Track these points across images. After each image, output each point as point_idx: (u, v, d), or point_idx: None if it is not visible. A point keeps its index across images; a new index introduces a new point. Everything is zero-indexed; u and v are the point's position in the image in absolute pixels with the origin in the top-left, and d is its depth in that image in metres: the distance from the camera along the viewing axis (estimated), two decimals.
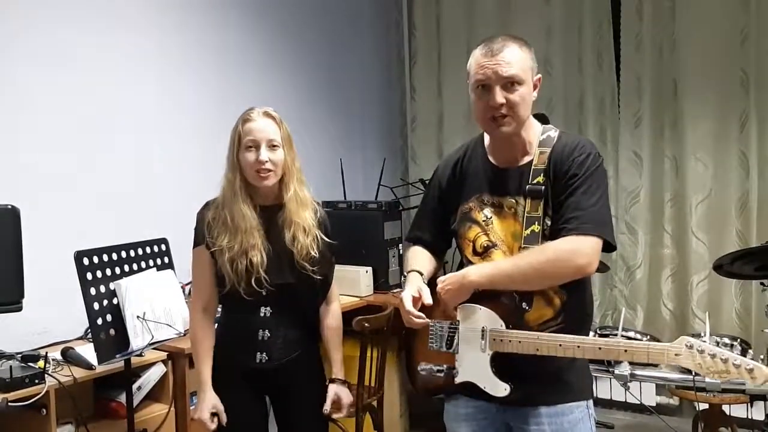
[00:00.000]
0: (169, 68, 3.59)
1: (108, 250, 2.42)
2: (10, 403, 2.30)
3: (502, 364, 1.80)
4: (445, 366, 1.90)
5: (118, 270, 2.44)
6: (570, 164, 1.78)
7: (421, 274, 1.94)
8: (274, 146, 2.15)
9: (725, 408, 3.22)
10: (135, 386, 2.74)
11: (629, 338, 2.91)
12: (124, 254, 2.48)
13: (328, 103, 4.59)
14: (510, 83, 1.76)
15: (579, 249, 1.71)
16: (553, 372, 1.79)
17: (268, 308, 2.22)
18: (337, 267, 2.40)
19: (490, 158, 1.91)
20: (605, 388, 4.23)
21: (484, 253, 1.87)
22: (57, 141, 3.06)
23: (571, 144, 1.82)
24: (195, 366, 2.28)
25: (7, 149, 2.89)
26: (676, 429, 3.68)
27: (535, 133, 1.88)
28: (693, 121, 4.02)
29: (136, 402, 2.71)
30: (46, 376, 2.48)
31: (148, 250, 2.60)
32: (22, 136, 2.94)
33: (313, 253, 2.19)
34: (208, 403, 2.21)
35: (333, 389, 2.32)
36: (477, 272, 1.80)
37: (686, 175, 4.05)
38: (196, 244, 2.27)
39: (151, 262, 2.60)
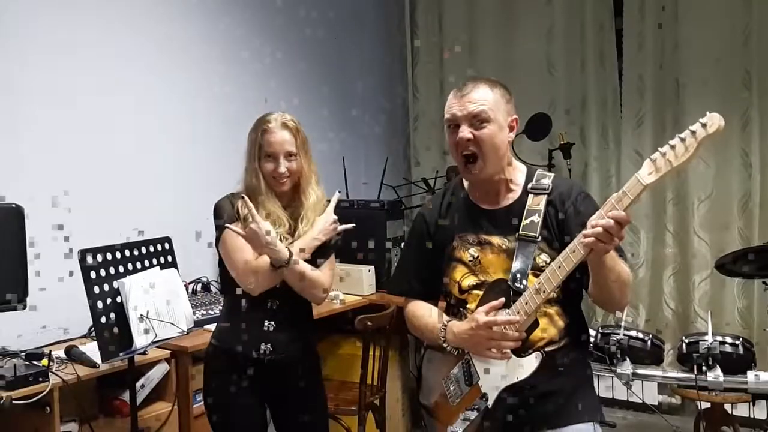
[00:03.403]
0: (173, 67, 3.60)
1: (111, 248, 2.42)
2: (14, 401, 2.31)
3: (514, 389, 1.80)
4: (476, 403, 1.84)
5: (121, 268, 2.45)
6: (575, 200, 1.81)
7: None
8: (291, 155, 2.26)
9: (727, 407, 3.22)
10: (138, 384, 2.75)
11: (631, 337, 2.92)
12: (127, 253, 2.49)
13: (331, 101, 4.59)
14: (478, 121, 1.80)
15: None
16: (561, 395, 1.81)
17: (276, 301, 2.28)
18: (339, 266, 2.42)
19: (471, 198, 1.93)
20: (607, 386, 4.23)
21: (473, 289, 1.87)
22: (60, 139, 3.07)
23: (567, 182, 1.93)
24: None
25: (11, 148, 2.90)
26: (678, 428, 3.68)
27: (519, 173, 1.91)
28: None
29: (139, 400, 2.72)
30: (49, 374, 2.49)
31: (151, 248, 2.60)
32: (26, 135, 2.95)
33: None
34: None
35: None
36: None
37: (688, 174, 4.05)
38: (229, 221, 2.22)
39: (154, 261, 2.60)
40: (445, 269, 1.94)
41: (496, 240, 1.85)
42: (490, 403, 1.81)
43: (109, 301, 2.37)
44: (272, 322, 2.28)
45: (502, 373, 1.79)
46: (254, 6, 4.06)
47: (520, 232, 1.80)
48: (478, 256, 1.87)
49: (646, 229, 4.21)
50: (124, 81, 3.34)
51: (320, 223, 2.28)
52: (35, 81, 2.99)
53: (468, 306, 1.89)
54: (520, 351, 1.77)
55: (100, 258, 2.37)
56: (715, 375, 2.70)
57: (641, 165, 4.30)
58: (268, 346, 2.28)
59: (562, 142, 4.26)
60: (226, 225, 2.19)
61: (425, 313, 1.99)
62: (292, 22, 4.30)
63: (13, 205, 2.05)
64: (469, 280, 1.88)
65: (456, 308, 1.93)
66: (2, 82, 2.89)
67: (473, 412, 1.82)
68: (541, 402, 1.80)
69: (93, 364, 2.63)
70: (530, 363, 1.76)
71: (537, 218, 1.81)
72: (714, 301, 3.98)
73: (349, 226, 2.34)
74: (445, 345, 1.87)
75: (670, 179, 4.13)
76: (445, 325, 1.87)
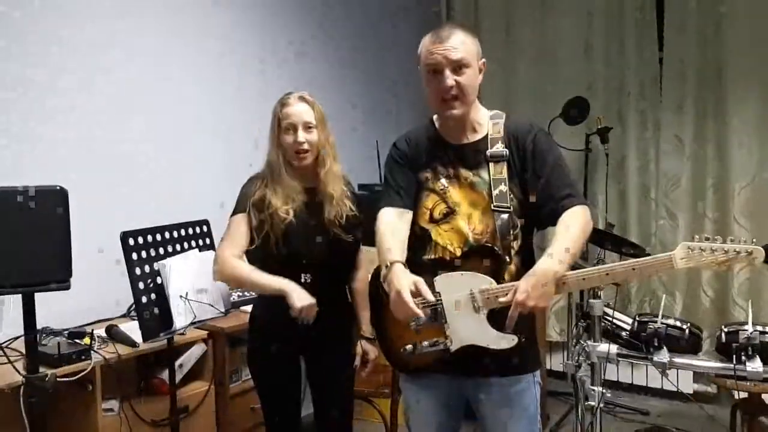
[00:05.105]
0: (210, 55, 3.62)
1: (152, 230, 2.47)
2: (58, 379, 2.36)
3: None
4: (434, 340, 1.92)
5: (161, 250, 2.49)
6: (534, 137, 1.96)
7: (405, 265, 1.91)
8: (310, 128, 2.35)
9: (765, 397, 3.18)
10: (177, 364, 2.80)
11: (668, 326, 2.88)
12: (167, 235, 2.54)
13: (364, 86, 4.59)
14: (458, 66, 1.89)
15: (588, 214, 1.92)
16: (512, 353, 1.88)
17: (308, 275, 2.34)
18: (366, 248, 2.47)
19: (442, 135, 2.04)
20: (642, 374, 4.20)
21: (443, 219, 1.98)
22: (102, 126, 3.11)
23: (525, 120, 2.03)
24: (268, 285, 2.29)
25: (56, 135, 2.95)
26: (713, 417, 3.65)
27: (483, 114, 2.04)
28: (737, 105, 3.94)
29: (177, 379, 2.77)
30: (92, 352, 2.55)
31: (190, 231, 2.65)
32: (69, 123, 3.00)
33: (343, 222, 2.38)
34: (301, 292, 2.25)
35: (361, 345, 2.48)
36: (557, 263, 1.79)
37: (729, 160, 3.97)
38: (236, 212, 2.37)
39: (193, 243, 2.65)
40: (417, 198, 2.03)
41: (463, 173, 1.98)
42: (452, 347, 1.91)
43: (150, 281, 2.42)
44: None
45: (475, 331, 1.88)
46: None
47: (495, 203, 1.93)
48: (447, 186, 1.99)
49: (684, 215, 4.14)
50: (163, 66, 3.38)
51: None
52: (74, 72, 3.03)
53: (433, 239, 1.99)
54: (502, 327, 1.83)
55: (141, 240, 2.42)
56: (755, 365, 2.65)
57: (681, 150, 4.25)
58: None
59: (599, 127, 4.21)
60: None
61: (390, 230, 1.99)
62: (327, 6, 4.30)
63: (58, 188, 2.08)
64: (441, 207, 1.99)
65: (421, 239, 2.01)
66: (44, 73, 2.92)
67: (434, 344, 1.92)
68: (495, 355, 1.89)
69: (133, 344, 2.69)
70: (506, 342, 1.86)
71: (502, 145, 1.96)
72: (753, 289, 3.92)
73: None
74: (383, 281, 1.93)
75: (710, 165, 4.06)
76: (389, 266, 1.90)
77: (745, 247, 1.74)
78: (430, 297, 1.83)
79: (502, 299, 1.82)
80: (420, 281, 1.84)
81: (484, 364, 1.92)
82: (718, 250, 1.75)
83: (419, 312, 1.82)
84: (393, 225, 2.00)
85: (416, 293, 1.82)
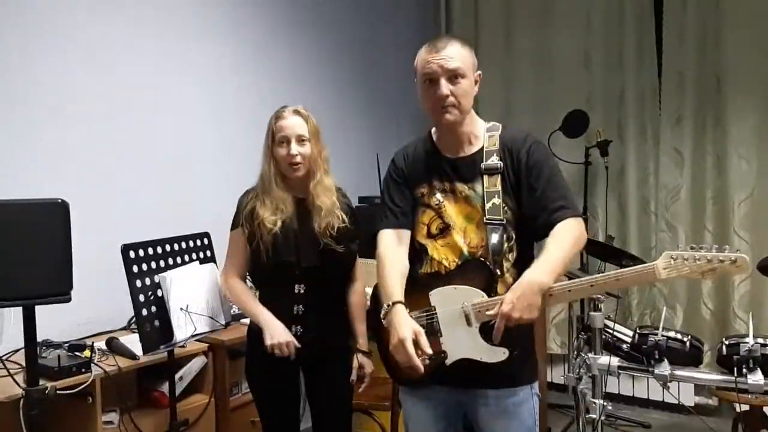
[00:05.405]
0: (209, 65, 3.64)
1: (153, 243, 2.47)
2: (58, 391, 2.36)
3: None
4: (431, 353, 1.88)
5: (162, 263, 2.49)
6: (528, 149, 1.94)
7: (405, 305, 1.91)
8: (303, 141, 2.38)
9: (766, 410, 3.17)
10: (177, 377, 2.80)
11: (669, 338, 2.87)
12: (168, 248, 2.54)
13: (364, 99, 4.61)
14: (454, 76, 1.91)
15: (582, 227, 1.92)
16: (508, 364, 1.87)
17: (302, 286, 2.38)
18: (365, 261, 2.48)
19: (439, 148, 2.05)
20: (643, 387, 4.19)
21: (440, 234, 1.99)
22: (102, 137, 3.12)
23: (521, 131, 2.02)
24: (251, 314, 2.41)
25: (56, 146, 2.96)
26: (714, 430, 3.63)
27: (480, 126, 2.04)
28: (736, 117, 3.95)
29: (177, 392, 2.76)
30: (92, 365, 2.55)
31: (191, 243, 2.65)
32: (69, 134, 3.01)
33: (334, 233, 2.39)
34: (275, 329, 2.32)
35: (357, 359, 2.48)
36: (544, 275, 1.79)
37: (729, 172, 3.98)
38: (234, 226, 2.46)
39: (193, 256, 2.64)
40: (414, 214, 2.05)
41: (458, 186, 1.99)
42: (448, 361, 1.91)
43: (150, 294, 2.41)
44: (300, 306, 2.38)
45: (468, 344, 1.88)
46: (288, 8, 4.08)
47: (487, 216, 1.92)
48: (443, 201, 2.00)
49: (684, 228, 4.14)
50: (164, 79, 3.39)
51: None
52: (79, 79, 3.04)
53: (430, 253, 2.00)
54: (491, 338, 1.83)
55: (141, 252, 2.42)
56: (756, 377, 2.64)
57: (680, 163, 4.25)
58: (298, 327, 2.37)
59: (599, 140, 4.22)
60: None
61: (390, 259, 2.01)
62: (326, 19, 4.32)
63: (59, 201, 2.09)
64: (438, 223, 2.00)
65: (418, 254, 2.03)
66: (49, 80, 2.94)
67: (431, 357, 1.89)
68: (490, 367, 1.88)
69: (133, 356, 2.68)
70: (498, 355, 1.85)
71: (497, 157, 1.95)
72: (754, 301, 3.91)
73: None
74: (383, 318, 1.94)
75: (710, 178, 4.07)
76: (390, 305, 1.91)
77: (728, 255, 1.72)
78: (429, 350, 1.83)
79: (489, 312, 1.82)
80: (421, 333, 1.85)
81: (480, 376, 1.92)
82: (701, 259, 1.73)
83: (420, 366, 1.82)
84: (393, 252, 2.02)
85: (416, 343, 1.83)
